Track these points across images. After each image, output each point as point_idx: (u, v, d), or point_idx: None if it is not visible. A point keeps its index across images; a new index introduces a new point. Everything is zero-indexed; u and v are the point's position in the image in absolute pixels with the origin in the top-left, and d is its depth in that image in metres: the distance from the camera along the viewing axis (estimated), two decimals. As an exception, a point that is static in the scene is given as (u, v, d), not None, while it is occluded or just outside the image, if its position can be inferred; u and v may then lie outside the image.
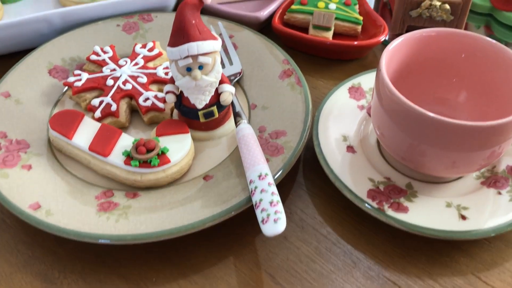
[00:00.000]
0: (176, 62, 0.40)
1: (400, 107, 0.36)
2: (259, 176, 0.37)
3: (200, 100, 0.42)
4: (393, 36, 0.56)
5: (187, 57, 0.39)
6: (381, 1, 0.62)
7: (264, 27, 0.57)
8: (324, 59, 0.54)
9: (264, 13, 0.55)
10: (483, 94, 0.41)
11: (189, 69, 0.40)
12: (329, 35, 0.53)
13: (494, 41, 0.39)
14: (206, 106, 0.42)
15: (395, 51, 0.39)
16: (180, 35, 0.39)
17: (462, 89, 0.42)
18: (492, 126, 0.34)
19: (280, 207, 0.35)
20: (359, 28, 0.54)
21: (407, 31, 0.56)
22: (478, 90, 0.41)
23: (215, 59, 0.40)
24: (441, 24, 0.54)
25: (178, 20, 0.40)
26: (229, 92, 0.43)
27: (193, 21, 0.39)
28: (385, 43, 0.56)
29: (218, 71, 0.41)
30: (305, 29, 0.55)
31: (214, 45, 0.40)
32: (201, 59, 0.39)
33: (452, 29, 0.41)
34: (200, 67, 0.40)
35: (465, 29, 0.58)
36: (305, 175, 0.43)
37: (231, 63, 0.50)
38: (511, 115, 0.35)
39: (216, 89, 0.42)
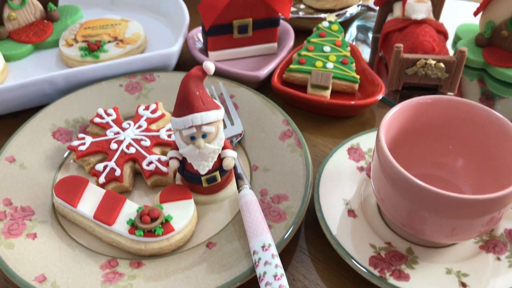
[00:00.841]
0: (180, 131, 0.41)
1: (399, 177, 0.36)
2: (263, 247, 0.38)
3: (203, 167, 0.42)
4: (390, 92, 0.58)
5: (191, 127, 0.40)
6: (377, 55, 0.64)
7: (264, 84, 0.59)
8: (323, 116, 0.56)
9: (264, 72, 0.56)
10: (480, 160, 0.42)
11: (193, 138, 0.41)
12: (327, 94, 0.54)
13: (491, 110, 0.41)
14: (209, 172, 0.43)
15: (393, 119, 0.40)
16: (185, 106, 0.40)
17: (459, 155, 0.43)
18: (489, 198, 0.35)
19: (284, 281, 0.35)
20: (356, 86, 0.55)
21: (403, 88, 0.58)
22: (475, 156, 0.43)
23: (218, 127, 0.41)
24: (436, 81, 0.56)
25: (183, 91, 0.41)
26: (231, 157, 0.43)
27: (197, 92, 0.40)
28: (382, 101, 0.57)
29: (221, 138, 0.42)
30: (304, 87, 0.56)
31: (217, 114, 0.41)
32: (205, 128, 0.40)
33: (448, 97, 0.42)
34: (204, 136, 0.41)
35: (460, 83, 0.60)
36: (307, 238, 0.44)
37: (232, 123, 0.51)
38: (508, 184, 0.36)
39: (219, 154, 0.43)
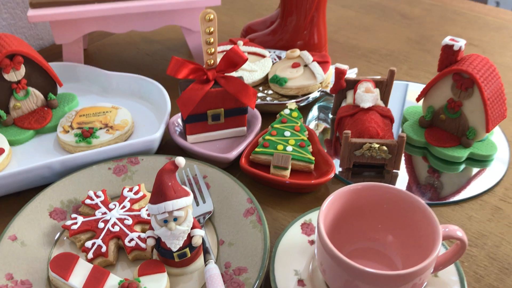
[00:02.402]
0: (155, 216, 0.49)
1: (334, 255, 0.45)
2: (222, 316, 0.45)
3: (175, 245, 0.50)
4: (343, 170, 0.67)
5: (164, 212, 0.49)
6: (334, 135, 0.73)
7: (235, 163, 0.67)
8: (284, 192, 0.64)
9: (233, 154, 0.65)
10: (405, 236, 0.51)
11: (165, 221, 0.49)
12: (287, 173, 0.63)
13: (411, 194, 0.49)
14: (180, 248, 0.51)
15: (330, 206, 0.49)
16: (159, 195, 0.49)
17: (387, 232, 0.52)
18: (400, 274, 0.43)
19: None
20: (312, 166, 0.64)
21: (354, 166, 0.67)
22: (401, 233, 0.51)
23: (187, 211, 0.50)
24: (382, 160, 0.65)
25: (158, 182, 0.49)
26: (199, 236, 0.52)
27: (170, 183, 0.49)
28: (336, 177, 0.66)
29: (190, 220, 0.50)
30: (268, 166, 0.65)
31: (186, 200, 0.49)
32: (176, 213, 0.49)
33: (375, 184, 0.51)
34: (175, 219, 0.49)
35: (409, 159, 0.69)
36: (264, 305, 0.52)
37: (204, 201, 0.60)
38: (426, 257, 0.44)
39: (189, 233, 0.51)
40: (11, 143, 0.69)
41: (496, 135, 0.72)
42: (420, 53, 0.91)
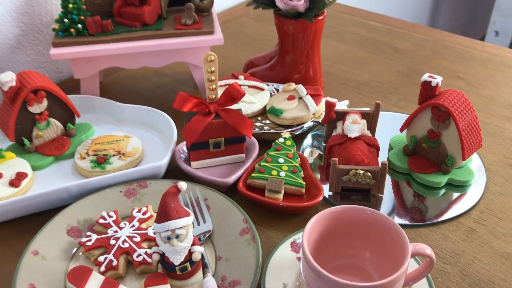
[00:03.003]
0: (160, 233, 0.56)
1: (316, 270, 0.51)
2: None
3: (177, 259, 0.57)
4: (333, 193, 0.73)
5: (167, 230, 0.55)
6: (325, 162, 0.80)
7: (234, 186, 0.74)
8: (278, 214, 0.71)
9: (232, 178, 0.72)
10: (381, 252, 0.57)
11: (169, 238, 0.56)
12: (280, 196, 0.70)
13: (384, 215, 0.56)
14: (182, 263, 0.58)
15: (313, 226, 0.55)
16: (163, 215, 0.56)
17: (365, 249, 0.58)
18: (377, 285, 0.49)
19: None
20: (303, 190, 0.71)
21: (342, 190, 0.73)
22: (377, 249, 0.57)
23: (188, 230, 0.57)
24: (367, 185, 0.71)
25: (162, 204, 0.56)
26: (198, 252, 0.58)
27: (172, 205, 0.56)
28: (325, 200, 0.73)
29: (190, 238, 0.57)
30: (263, 190, 0.72)
31: (187, 220, 0.56)
32: (178, 231, 0.56)
33: (352, 206, 0.57)
34: (177, 236, 0.56)
35: (395, 184, 0.75)
36: (256, 314, 0.58)
37: (204, 221, 0.67)
38: (397, 270, 0.50)
39: (189, 249, 0.58)
40: (33, 168, 0.76)
41: (475, 162, 0.78)
42: (408, 85, 0.98)
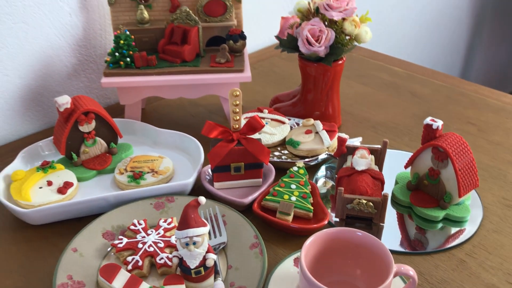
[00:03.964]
0: (180, 239, 0.66)
1: (310, 281, 0.59)
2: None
3: (193, 263, 0.66)
4: (339, 219, 0.81)
5: (186, 237, 0.65)
6: (336, 191, 0.88)
7: (249, 207, 0.83)
8: (287, 234, 0.79)
9: (248, 199, 0.81)
10: (370, 269, 0.64)
11: (187, 244, 0.65)
12: (289, 218, 0.78)
13: (372, 236, 0.64)
14: (197, 267, 0.67)
15: (311, 244, 0.64)
16: (184, 223, 0.65)
17: (356, 266, 0.66)
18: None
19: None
20: (311, 214, 0.79)
21: (347, 217, 0.81)
22: (366, 267, 0.65)
23: (203, 238, 0.66)
24: (369, 214, 0.79)
25: (184, 214, 0.66)
26: (212, 258, 0.67)
27: (192, 215, 0.66)
28: (329, 224, 0.81)
29: (205, 245, 0.66)
30: (275, 212, 0.80)
31: (204, 230, 0.66)
32: (195, 239, 0.65)
33: (344, 228, 0.65)
34: (194, 243, 0.65)
35: (399, 216, 0.83)
36: (258, 317, 0.66)
37: (220, 234, 0.76)
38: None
39: (204, 255, 0.67)
40: (78, 179, 0.88)
41: (474, 201, 0.85)
42: (421, 127, 1.05)
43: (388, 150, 0.93)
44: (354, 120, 1.09)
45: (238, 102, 0.80)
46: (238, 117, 0.82)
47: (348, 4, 0.92)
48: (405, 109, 1.14)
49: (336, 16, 0.91)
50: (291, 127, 1.00)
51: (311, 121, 0.97)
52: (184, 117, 1.11)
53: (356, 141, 0.96)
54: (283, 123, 0.99)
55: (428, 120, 0.81)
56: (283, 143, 0.97)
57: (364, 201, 0.78)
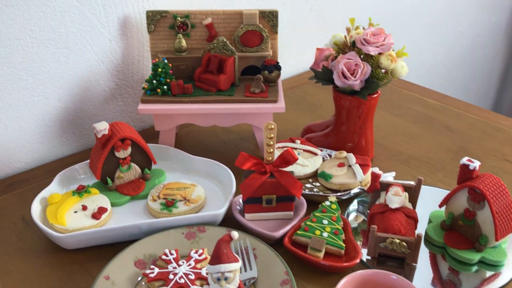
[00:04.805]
0: (211, 274, 0.66)
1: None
2: None
3: (224, 299, 0.66)
4: (371, 257, 0.80)
5: (218, 272, 0.65)
6: (368, 227, 0.87)
7: (279, 241, 0.83)
8: (317, 270, 0.78)
9: (279, 233, 0.81)
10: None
11: (218, 279, 0.66)
12: (321, 255, 0.78)
13: (405, 279, 0.63)
14: (227, 302, 0.67)
15: (344, 285, 0.63)
16: (216, 258, 0.66)
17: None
18: None
19: None
20: (343, 251, 0.78)
21: (379, 256, 0.80)
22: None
23: (235, 274, 0.66)
24: (402, 253, 0.78)
25: (216, 248, 0.66)
26: (243, 294, 0.67)
27: (225, 250, 0.66)
28: (362, 263, 0.79)
29: (236, 281, 0.66)
30: (306, 247, 0.80)
31: (235, 266, 0.66)
32: (226, 274, 0.65)
33: (380, 271, 0.65)
34: (226, 278, 0.65)
35: (432, 256, 0.81)
36: None
37: (251, 268, 0.76)
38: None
39: (235, 291, 0.67)
40: (112, 204, 0.89)
41: (511, 243, 0.82)
42: (456, 163, 1.03)
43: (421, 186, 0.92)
44: (386, 153, 1.08)
45: (272, 135, 0.81)
46: (271, 150, 0.82)
47: (385, 39, 0.92)
48: (439, 143, 1.12)
49: (373, 51, 0.91)
50: (323, 159, 0.99)
51: (344, 153, 0.97)
52: (216, 143, 1.12)
53: (389, 176, 0.95)
54: (315, 154, 0.99)
55: (465, 160, 0.80)
56: (314, 175, 0.96)
57: (398, 241, 0.77)
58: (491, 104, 2.43)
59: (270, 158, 0.83)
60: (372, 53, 0.91)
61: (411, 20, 1.76)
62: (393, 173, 0.96)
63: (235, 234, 0.66)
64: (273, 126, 0.80)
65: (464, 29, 2.02)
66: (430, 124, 1.20)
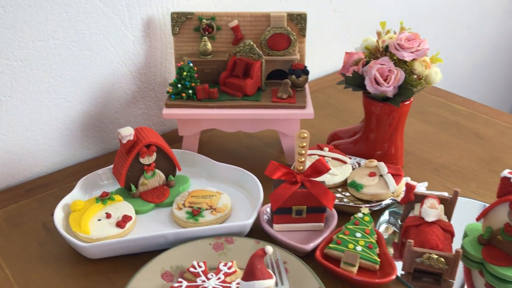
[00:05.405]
0: (245, 290, 0.63)
1: None
2: None
3: (257, 315, 0.63)
4: (406, 273, 0.77)
5: (252, 288, 0.62)
6: (400, 240, 0.83)
7: (309, 253, 0.80)
8: (350, 285, 0.75)
9: (310, 246, 0.78)
10: None
11: (252, 295, 0.63)
12: (354, 269, 0.74)
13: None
14: (260, 320, 0.64)
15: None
16: (250, 274, 0.63)
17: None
18: None
19: None
20: (377, 266, 0.75)
21: (414, 271, 0.77)
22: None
23: (270, 289, 0.63)
24: (439, 269, 0.74)
25: (250, 264, 0.63)
26: (276, 312, 0.64)
27: (259, 266, 0.63)
28: (398, 279, 0.76)
29: (271, 297, 0.63)
30: (338, 261, 0.77)
31: (270, 282, 0.63)
32: (261, 290, 0.62)
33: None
34: (260, 294, 0.63)
35: (467, 271, 0.78)
36: None
37: (282, 283, 0.73)
38: None
39: (268, 307, 0.64)
40: (136, 212, 0.86)
41: (553, 261, 0.79)
42: (488, 173, 1.00)
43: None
44: (416, 161, 1.05)
45: (304, 144, 0.78)
46: (303, 159, 0.79)
47: (420, 44, 0.89)
48: (470, 151, 1.08)
49: (407, 56, 0.88)
50: (352, 167, 0.96)
51: (375, 162, 0.93)
52: (239, 148, 1.09)
53: (421, 187, 0.92)
54: (345, 162, 0.96)
55: (506, 173, 0.76)
56: (344, 184, 0.93)
57: (435, 256, 0.74)
58: (511, 108, 2.39)
59: (301, 168, 0.80)
60: (406, 59, 0.88)
61: (432, 21, 1.72)
62: (425, 183, 0.93)
63: (269, 249, 0.63)
64: (306, 135, 0.77)
65: (487, 32, 1.97)
66: (458, 131, 1.16)
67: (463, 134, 1.15)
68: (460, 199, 0.91)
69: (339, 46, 1.46)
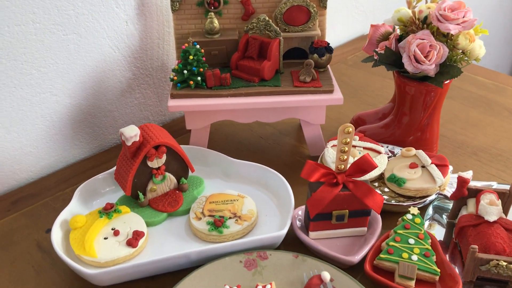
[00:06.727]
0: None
1: None
2: None
3: None
4: (465, 282, 0.67)
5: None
6: (452, 241, 0.74)
7: (356, 265, 0.69)
8: (406, 300, 0.65)
9: (357, 257, 0.67)
10: None
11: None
12: (412, 283, 0.64)
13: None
14: None
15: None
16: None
17: None
18: None
19: None
20: (437, 278, 0.65)
21: (477, 279, 0.67)
22: None
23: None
24: (508, 278, 0.65)
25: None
26: None
27: (316, 297, 0.52)
28: (458, 290, 0.66)
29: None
30: (391, 273, 0.66)
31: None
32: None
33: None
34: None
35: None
36: None
37: (332, 305, 0.62)
38: None
39: None
40: (147, 224, 0.74)
41: None
42: (533, 155, 0.91)
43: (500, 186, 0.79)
44: (450, 145, 0.95)
45: (348, 140, 0.66)
46: (345, 157, 0.68)
47: (465, 15, 0.77)
48: (506, 130, 0.99)
49: (453, 29, 0.76)
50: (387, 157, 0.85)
51: (413, 151, 0.82)
52: (252, 138, 0.97)
53: (466, 176, 0.81)
54: (379, 153, 0.84)
55: None
56: (380, 178, 0.82)
57: (505, 264, 0.64)
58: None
59: (343, 167, 0.69)
60: (452, 32, 0.76)
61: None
62: (470, 172, 0.82)
63: (326, 276, 0.52)
64: (351, 130, 0.65)
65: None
66: (490, 108, 1.06)
67: (494, 111, 1.05)
68: (506, 187, 0.81)
69: (346, 16, 1.33)
